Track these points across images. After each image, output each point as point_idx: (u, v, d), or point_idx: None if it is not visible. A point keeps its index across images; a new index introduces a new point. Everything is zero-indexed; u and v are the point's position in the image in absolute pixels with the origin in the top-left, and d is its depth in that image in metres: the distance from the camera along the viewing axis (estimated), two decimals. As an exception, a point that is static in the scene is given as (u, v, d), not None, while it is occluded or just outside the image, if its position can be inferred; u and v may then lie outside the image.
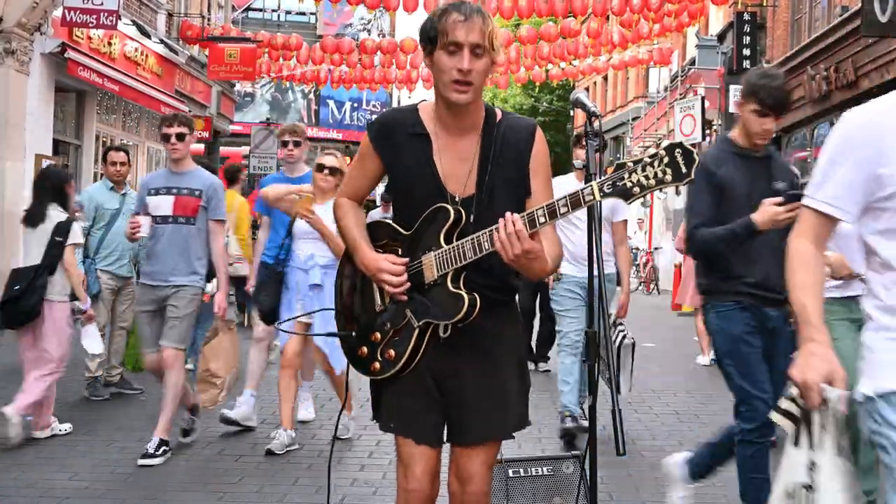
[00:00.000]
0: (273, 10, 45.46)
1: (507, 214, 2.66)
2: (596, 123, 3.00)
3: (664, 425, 7.15)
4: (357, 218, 3.07)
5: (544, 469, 4.15)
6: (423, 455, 2.93)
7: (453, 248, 2.80)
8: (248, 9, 40.57)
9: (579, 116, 46.09)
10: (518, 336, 3.10)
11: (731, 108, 22.05)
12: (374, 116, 3.12)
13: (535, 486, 4.13)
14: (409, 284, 2.88)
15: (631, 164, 2.57)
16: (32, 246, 6.41)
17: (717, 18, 25.59)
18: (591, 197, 2.58)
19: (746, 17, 21.12)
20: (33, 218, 6.42)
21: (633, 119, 37.01)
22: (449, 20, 2.76)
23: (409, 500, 2.96)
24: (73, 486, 5.20)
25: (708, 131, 23.93)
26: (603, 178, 2.60)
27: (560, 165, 52.11)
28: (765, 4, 20.71)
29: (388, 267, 2.88)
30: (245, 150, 27.06)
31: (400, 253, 2.93)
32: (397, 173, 2.96)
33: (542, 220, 2.66)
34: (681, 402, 8.18)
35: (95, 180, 15.80)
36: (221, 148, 27.21)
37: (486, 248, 2.72)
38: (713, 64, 24.02)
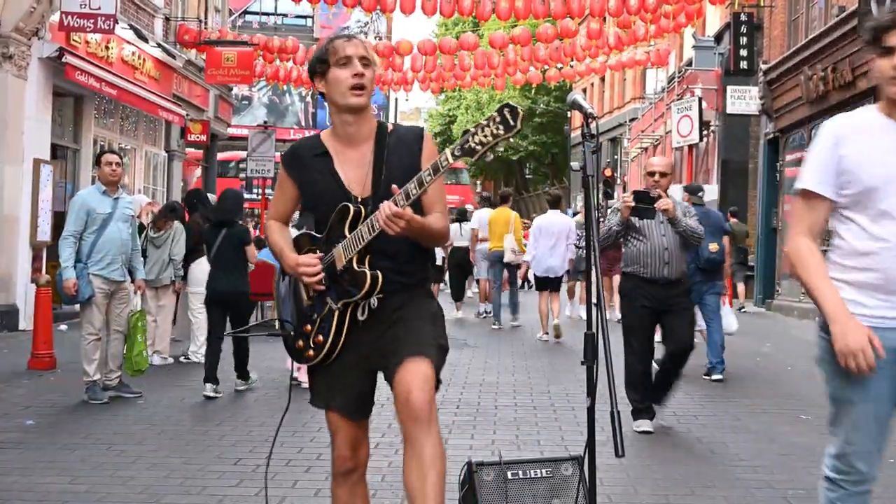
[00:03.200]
0: (269, 14, 45.46)
1: (384, 202, 3.09)
2: (593, 125, 3.02)
3: (663, 427, 7.14)
4: (282, 233, 3.55)
5: (543, 471, 4.15)
6: (343, 427, 3.39)
7: (354, 234, 3.24)
8: (245, 12, 40.61)
9: (576, 118, 46.11)
10: (433, 308, 3.44)
11: (728, 109, 22.11)
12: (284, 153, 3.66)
13: (534, 487, 4.12)
14: (322, 275, 3.30)
15: (472, 129, 2.98)
16: None
17: (714, 19, 25.62)
18: (446, 161, 2.98)
19: (743, 17, 21.15)
20: None
21: (631, 120, 37.05)
22: (336, 43, 3.32)
23: (335, 471, 3.46)
24: (73, 490, 5.20)
25: (705, 132, 23.97)
26: (453, 145, 3.00)
27: (557, 167, 52.18)
28: (762, 5, 20.73)
29: (303, 260, 3.33)
30: (242, 153, 27.06)
31: (318, 253, 3.37)
32: (307, 189, 3.43)
33: (414, 191, 3.07)
34: (679, 403, 8.17)
35: (93, 185, 15.79)
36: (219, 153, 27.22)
37: (377, 227, 3.13)
38: (710, 65, 24.04)
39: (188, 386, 8.71)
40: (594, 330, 3.06)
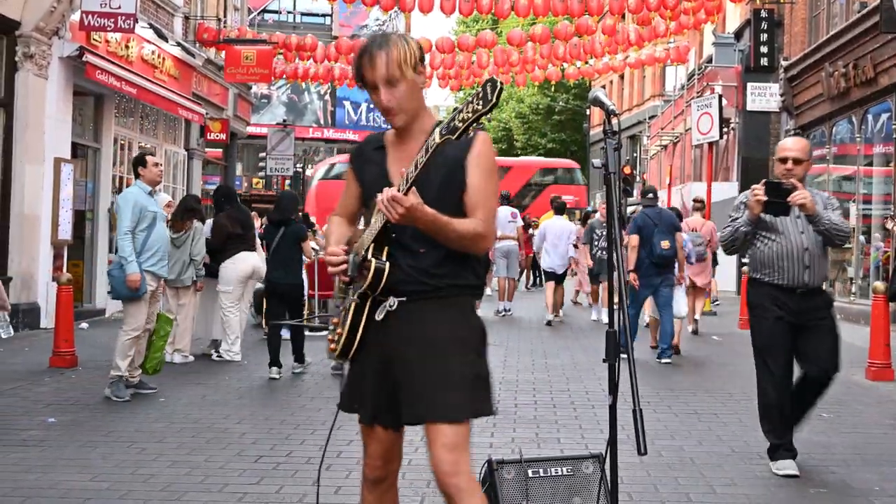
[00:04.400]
0: (289, 12, 45.58)
1: (385, 189, 2.97)
2: (614, 122, 3.00)
3: (683, 425, 7.12)
4: (340, 226, 3.41)
5: (564, 469, 4.13)
6: (374, 437, 3.23)
7: (371, 224, 3.15)
8: (264, 11, 40.72)
9: (595, 115, 45.99)
10: (469, 324, 3.20)
11: (749, 106, 22.00)
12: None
13: (555, 486, 4.11)
14: (344, 266, 3.18)
15: (459, 107, 2.91)
16: None
17: (734, 16, 25.48)
18: (434, 141, 2.91)
19: (763, 14, 21.04)
20: None
21: (650, 118, 36.94)
22: (362, 62, 3.12)
23: (365, 476, 3.30)
24: (94, 488, 5.22)
25: (725, 129, 23.85)
26: (443, 123, 2.94)
27: (578, 164, 52.03)
28: (782, 1, 20.59)
29: (329, 251, 3.24)
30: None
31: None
32: (364, 184, 3.31)
33: (411, 175, 2.96)
34: (700, 401, 8.14)
35: (114, 183, 15.88)
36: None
37: (382, 217, 3.04)
38: (730, 62, 23.91)
39: (209, 384, 8.74)
40: (616, 328, 3.05)
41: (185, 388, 8.54)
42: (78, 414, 7.26)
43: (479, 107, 2.83)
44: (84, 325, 13.12)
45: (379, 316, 3.14)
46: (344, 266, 3.19)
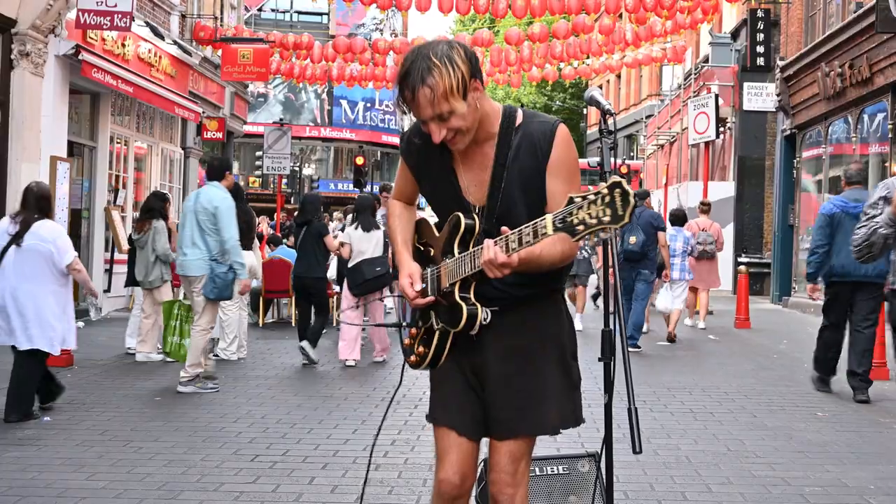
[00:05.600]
0: (285, 11, 45.57)
1: (486, 242, 2.72)
2: (610, 121, 3.00)
3: (680, 424, 7.13)
4: (402, 219, 3.21)
5: (560, 468, 4.14)
6: (455, 446, 3.00)
7: (460, 258, 2.88)
8: (261, 9, 40.70)
9: (592, 115, 46.02)
10: (561, 330, 3.06)
11: (745, 106, 22.02)
12: (407, 129, 3.13)
13: (551, 484, 4.12)
14: (424, 300, 2.99)
15: (579, 200, 2.47)
16: None
17: (731, 16, 25.50)
18: (545, 231, 2.54)
19: (760, 14, 21.05)
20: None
21: (647, 117, 36.94)
22: (403, 97, 2.81)
23: (439, 491, 3.03)
24: (91, 487, 5.22)
25: (722, 129, 23.88)
26: (557, 212, 2.53)
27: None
28: (779, 1, 20.62)
29: (405, 282, 3.01)
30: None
31: (432, 253, 3.07)
32: (423, 182, 3.12)
33: (514, 245, 2.66)
34: (696, 400, 8.16)
35: (110, 182, 15.86)
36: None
37: (478, 265, 2.77)
38: (727, 61, 23.95)
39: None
40: (611, 327, 3.05)
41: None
42: (74, 413, 7.26)
43: (606, 219, 2.41)
44: (80, 323, 13.09)
45: (474, 332, 2.91)
46: (425, 301, 3.00)
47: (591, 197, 2.45)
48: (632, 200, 2.41)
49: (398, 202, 3.25)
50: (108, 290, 14.91)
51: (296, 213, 11.59)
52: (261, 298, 13.72)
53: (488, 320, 2.90)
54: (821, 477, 5.62)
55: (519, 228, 2.66)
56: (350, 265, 10.01)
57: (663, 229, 11.91)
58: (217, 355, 10.19)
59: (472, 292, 2.90)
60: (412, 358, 3.08)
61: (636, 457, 3.34)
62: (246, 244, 10.31)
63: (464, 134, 2.84)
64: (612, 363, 2.98)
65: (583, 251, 13.42)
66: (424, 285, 3.01)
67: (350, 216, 11.78)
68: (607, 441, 2.99)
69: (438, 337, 2.98)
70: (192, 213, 8.47)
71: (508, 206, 2.89)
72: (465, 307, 2.86)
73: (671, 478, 5.55)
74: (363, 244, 9.99)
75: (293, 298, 11.09)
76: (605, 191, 2.43)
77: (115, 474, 5.49)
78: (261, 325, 13.69)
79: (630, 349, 10.35)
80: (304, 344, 9.91)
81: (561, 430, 3.02)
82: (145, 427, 6.79)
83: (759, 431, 6.91)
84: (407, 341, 3.13)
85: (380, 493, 5.16)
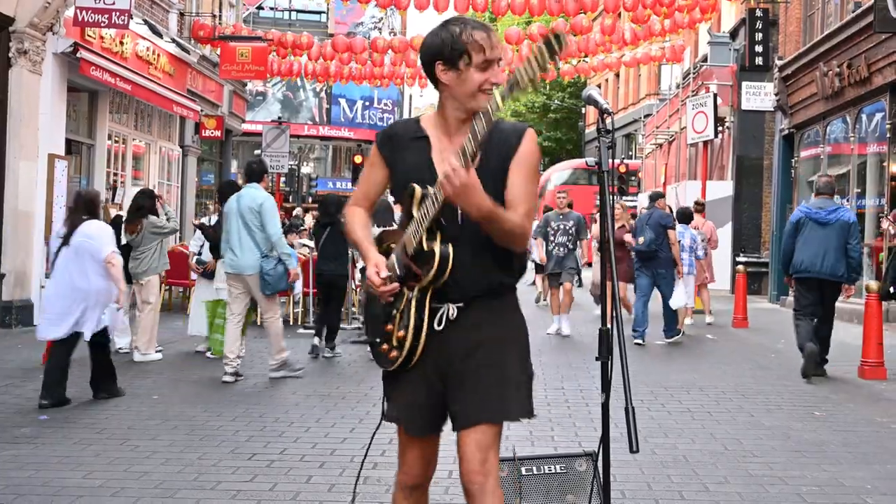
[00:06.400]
0: (284, 10, 45.53)
1: (448, 160, 2.87)
2: (608, 120, 3.00)
3: (677, 423, 7.13)
4: (362, 221, 3.30)
5: (557, 467, 4.14)
6: (415, 442, 3.19)
7: (420, 212, 3.00)
8: (260, 7, 40.68)
9: (591, 114, 46.02)
10: (520, 326, 3.19)
11: (744, 105, 22.01)
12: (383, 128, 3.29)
13: (548, 483, 4.12)
14: (393, 286, 3.04)
15: (520, 69, 2.73)
16: None
17: (730, 15, 25.49)
18: (496, 103, 2.76)
19: (759, 13, 21.05)
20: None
21: (646, 116, 36.94)
22: (478, 37, 2.99)
23: (403, 481, 3.26)
24: (87, 485, 5.22)
25: (720, 128, 23.87)
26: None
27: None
28: (777, 1, 20.62)
29: (371, 272, 3.06)
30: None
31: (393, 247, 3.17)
32: (399, 173, 3.18)
33: (470, 148, 2.84)
34: (693, 399, 8.16)
35: (108, 180, 15.85)
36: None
37: (439, 196, 2.90)
38: (725, 61, 23.93)
39: (202, 381, 8.74)
40: (609, 325, 3.05)
41: (179, 385, 8.54)
42: (71, 411, 7.25)
43: (544, 58, 2.68)
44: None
45: (439, 326, 3.04)
46: (391, 287, 3.05)
47: (529, 55, 2.71)
48: (564, 44, 2.65)
49: (358, 209, 3.32)
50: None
51: (318, 215, 12.28)
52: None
53: (455, 315, 3.03)
54: (818, 476, 5.62)
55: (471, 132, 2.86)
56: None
57: (673, 228, 12.32)
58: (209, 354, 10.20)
59: (438, 238, 2.99)
60: (393, 353, 3.10)
61: (633, 456, 3.34)
62: None
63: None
64: (609, 362, 2.98)
65: (566, 245, 13.05)
66: (390, 273, 3.06)
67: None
68: (604, 440, 3.00)
69: (416, 306, 3.03)
70: (236, 214, 8.82)
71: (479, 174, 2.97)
72: (437, 248, 2.97)
73: (668, 477, 5.55)
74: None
75: (316, 296, 11.73)
76: (537, 46, 2.69)
77: (112, 472, 5.48)
78: (258, 323, 13.67)
79: (669, 340, 11.85)
80: (326, 351, 10.50)
81: (519, 419, 3.11)
82: (142, 425, 6.79)
83: (756, 431, 6.91)
84: (384, 346, 3.13)
85: (377, 491, 5.16)
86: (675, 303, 12.17)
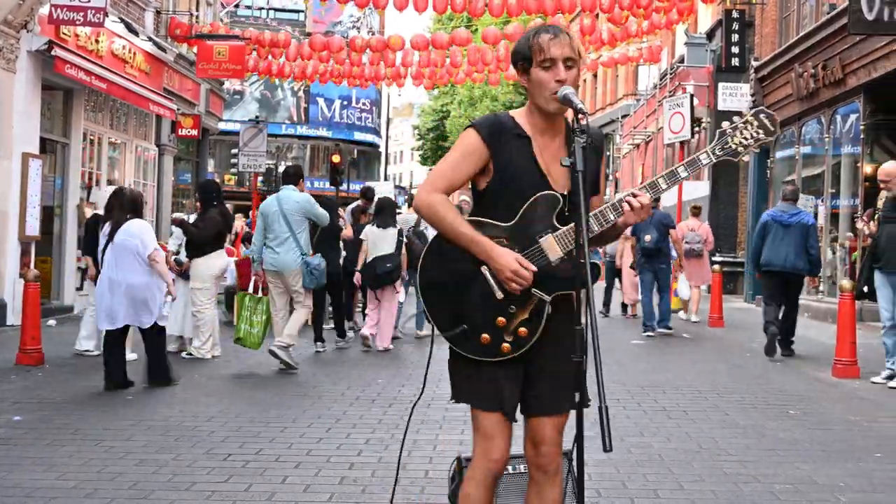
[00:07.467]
0: (262, 8, 45.37)
1: (636, 191, 3.18)
2: (583, 120, 3.01)
3: (653, 422, 7.16)
4: (454, 211, 3.24)
5: (532, 466, 4.14)
6: (506, 427, 3.26)
7: (571, 227, 3.16)
8: (237, 6, 40.49)
9: (569, 114, 46.07)
10: (578, 318, 3.29)
11: (720, 106, 22.12)
12: (477, 119, 3.35)
13: (523, 482, 4.12)
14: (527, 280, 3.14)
15: (729, 130, 3.20)
16: None
17: (706, 16, 25.65)
18: (708, 160, 3.20)
19: (735, 14, 21.20)
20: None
21: (623, 116, 37.06)
22: (541, 39, 3.16)
23: (491, 469, 3.29)
24: (61, 486, 5.18)
25: (697, 129, 23.98)
26: (711, 144, 3.20)
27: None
28: (753, 2, 20.77)
29: (515, 266, 3.11)
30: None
31: (506, 242, 3.18)
32: (505, 168, 3.22)
33: (663, 186, 3.22)
34: (669, 398, 8.19)
35: (83, 179, 15.73)
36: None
37: (611, 218, 3.19)
38: (702, 62, 24.07)
39: (178, 381, 8.68)
40: (583, 325, 3.05)
41: (154, 385, 8.48)
42: (44, 412, 7.20)
43: (761, 135, 3.22)
44: (52, 322, 13.00)
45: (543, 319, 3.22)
46: (525, 282, 3.14)
47: (741, 125, 3.21)
48: (776, 118, 3.19)
49: (443, 196, 3.24)
50: (80, 289, 14.78)
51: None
52: (235, 297, 13.63)
53: (550, 311, 3.20)
54: (791, 474, 5.65)
55: (662, 173, 3.23)
56: (368, 262, 11.14)
57: (674, 227, 13.79)
58: (191, 354, 10.15)
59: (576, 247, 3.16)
60: (505, 346, 3.19)
61: (609, 455, 3.34)
62: (222, 244, 10.31)
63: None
64: (583, 361, 2.99)
65: None
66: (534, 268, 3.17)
67: (349, 212, 13.35)
68: (579, 439, 3.00)
69: (543, 313, 3.18)
70: (279, 214, 9.52)
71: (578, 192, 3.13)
72: (587, 262, 3.03)
73: (644, 476, 5.57)
74: (380, 241, 11.14)
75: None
76: (752, 117, 3.20)
77: (86, 473, 5.44)
78: (235, 323, 13.61)
79: (663, 331, 13.19)
80: (339, 342, 11.28)
81: (588, 406, 3.14)
82: (117, 426, 6.74)
83: (731, 429, 6.95)
84: (485, 336, 3.19)
85: (353, 492, 5.15)
86: (683, 293, 14.93)
